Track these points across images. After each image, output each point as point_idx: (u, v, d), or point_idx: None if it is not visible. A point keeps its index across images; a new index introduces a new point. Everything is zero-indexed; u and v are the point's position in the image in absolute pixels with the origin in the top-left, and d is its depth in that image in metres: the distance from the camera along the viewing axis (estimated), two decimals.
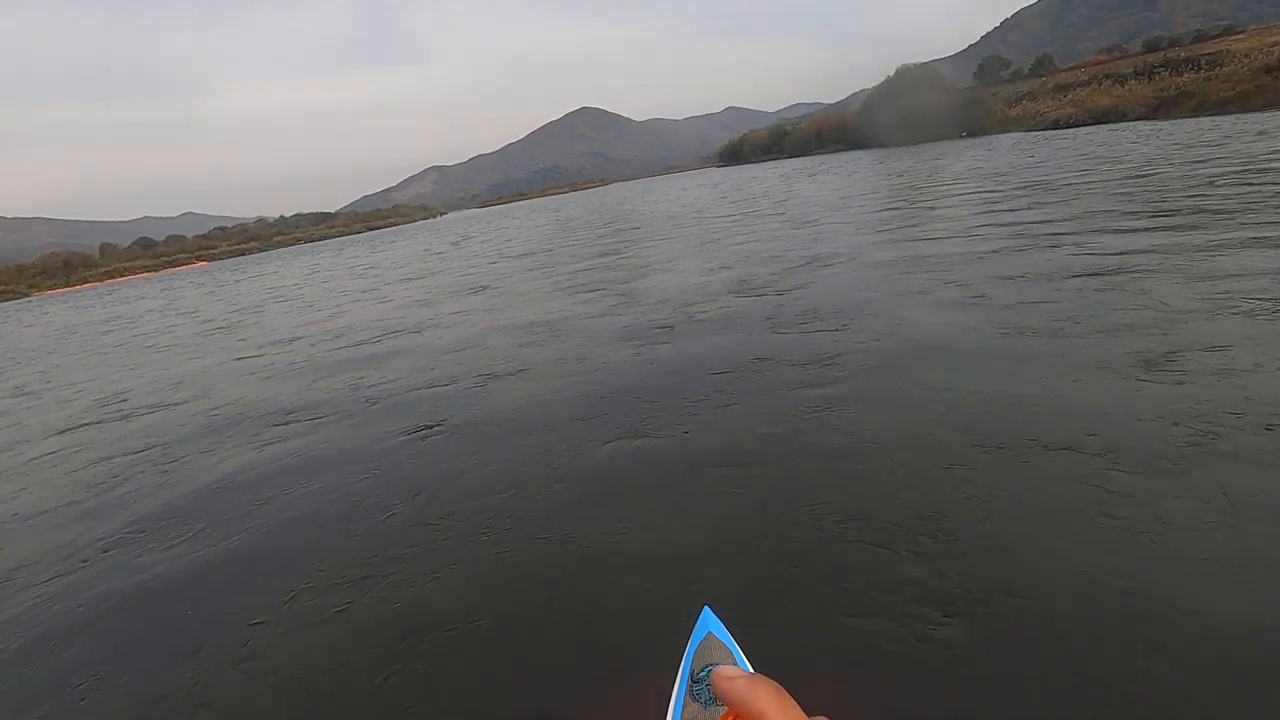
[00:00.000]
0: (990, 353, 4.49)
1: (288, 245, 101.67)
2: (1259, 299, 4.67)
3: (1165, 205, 8.96)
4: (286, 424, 5.61)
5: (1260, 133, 17.49)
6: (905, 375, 4.30)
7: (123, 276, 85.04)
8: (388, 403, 5.70)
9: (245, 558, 3.36)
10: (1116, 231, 7.75)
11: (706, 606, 1.76)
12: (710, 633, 1.59)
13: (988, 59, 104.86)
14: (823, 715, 0.36)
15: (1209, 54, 40.93)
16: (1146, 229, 7.60)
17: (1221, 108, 26.02)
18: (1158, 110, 30.88)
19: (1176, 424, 3.15)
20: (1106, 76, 49.70)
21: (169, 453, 5.41)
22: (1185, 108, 28.70)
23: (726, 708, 0.31)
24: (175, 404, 7.21)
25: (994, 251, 7.76)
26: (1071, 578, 2.24)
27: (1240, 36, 59.98)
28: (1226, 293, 4.90)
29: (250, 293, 21.95)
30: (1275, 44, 41.31)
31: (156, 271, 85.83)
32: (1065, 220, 9.02)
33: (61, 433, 6.87)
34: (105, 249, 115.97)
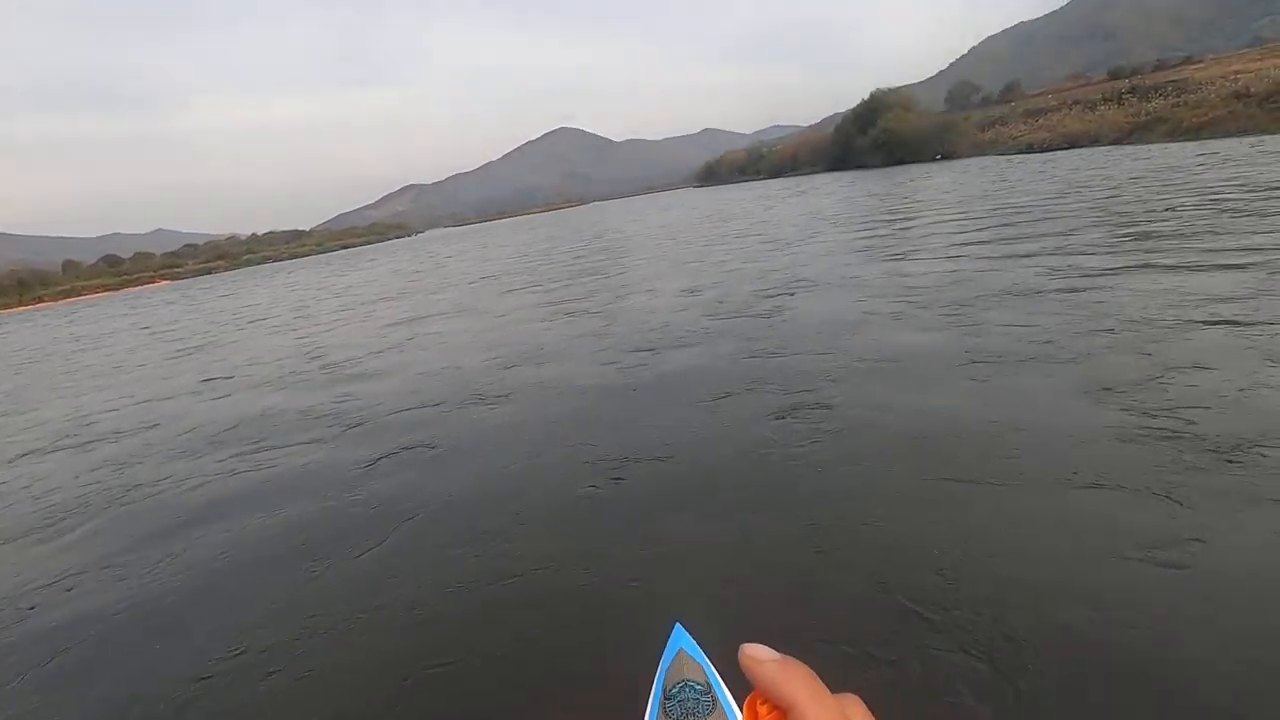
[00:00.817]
0: (970, 378, 4.45)
1: (256, 264, 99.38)
2: (1228, 323, 4.72)
3: (1141, 229, 8.80)
4: (254, 452, 5.34)
5: (1225, 159, 17.35)
6: (886, 405, 4.23)
7: (80, 295, 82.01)
8: (360, 430, 5.46)
9: (199, 596, 3.21)
10: (1091, 254, 7.73)
11: (678, 623, 1.68)
12: (682, 649, 1.46)
13: (958, 85, 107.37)
14: (850, 692, 0.35)
15: (1174, 81, 41.83)
16: (1122, 252, 7.59)
17: (1195, 133, 26.27)
18: (1131, 135, 31.21)
19: (1152, 448, 3.17)
20: (1076, 102, 50.66)
21: (128, 480, 5.19)
22: (1159, 133, 28.99)
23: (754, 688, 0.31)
24: (136, 430, 6.84)
25: (973, 274, 7.68)
26: (1061, 618, 2.18)
27: (1199, 65, 61.83)
28: (1196, 315, 4.99)
29: (207, 316, 20.68)
30: (1236, 72, 42.46)
31: (117, 290, 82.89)
32: (1042, 244, 8.91)
33: (10, 462, 6.46)
34: (68, 266, 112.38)
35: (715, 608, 2.48)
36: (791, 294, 8.25)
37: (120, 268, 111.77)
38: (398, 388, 6.70)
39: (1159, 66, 77.54)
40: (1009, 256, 8.38)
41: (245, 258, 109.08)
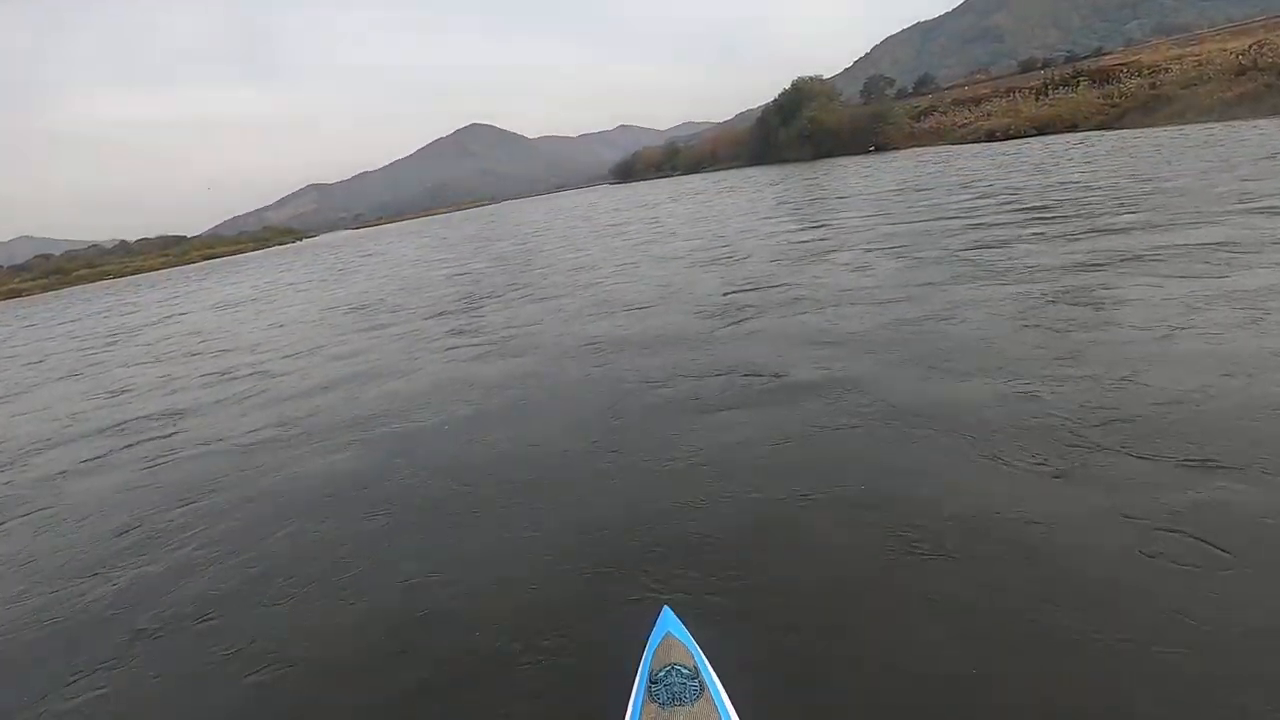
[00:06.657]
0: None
1: (91, 282, 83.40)
2: None
3: None
4: None
5: None
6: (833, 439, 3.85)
7: None
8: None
9: None
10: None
11: (666, 606, 1.74)
12: (669, 633, 1.55)
13: (873, 78, 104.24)
14: None
15: (1125, 64, 37.71)
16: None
17: (1224, 112, 20.90)
18: (1123, 118, 25.93)
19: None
20: (1010, 90, 46.70)
21: None
22: (1163, 114, 23.68)
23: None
24: None
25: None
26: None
27: (1119, 54, 60.05)
28: None
29: None
30: (1175, 57, 39.26)
31: None
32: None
33: None
34: None
35: (706, 594, 2.37)
36: (719, 317, 7.07)
37: None
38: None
39: (1070, 58, 76.72)
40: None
41: (78, 274, 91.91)
